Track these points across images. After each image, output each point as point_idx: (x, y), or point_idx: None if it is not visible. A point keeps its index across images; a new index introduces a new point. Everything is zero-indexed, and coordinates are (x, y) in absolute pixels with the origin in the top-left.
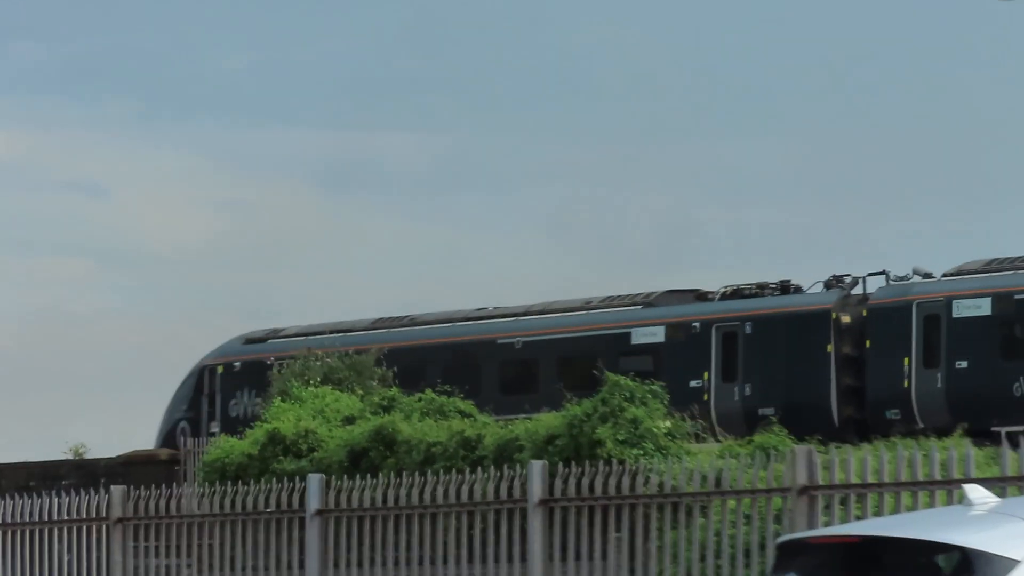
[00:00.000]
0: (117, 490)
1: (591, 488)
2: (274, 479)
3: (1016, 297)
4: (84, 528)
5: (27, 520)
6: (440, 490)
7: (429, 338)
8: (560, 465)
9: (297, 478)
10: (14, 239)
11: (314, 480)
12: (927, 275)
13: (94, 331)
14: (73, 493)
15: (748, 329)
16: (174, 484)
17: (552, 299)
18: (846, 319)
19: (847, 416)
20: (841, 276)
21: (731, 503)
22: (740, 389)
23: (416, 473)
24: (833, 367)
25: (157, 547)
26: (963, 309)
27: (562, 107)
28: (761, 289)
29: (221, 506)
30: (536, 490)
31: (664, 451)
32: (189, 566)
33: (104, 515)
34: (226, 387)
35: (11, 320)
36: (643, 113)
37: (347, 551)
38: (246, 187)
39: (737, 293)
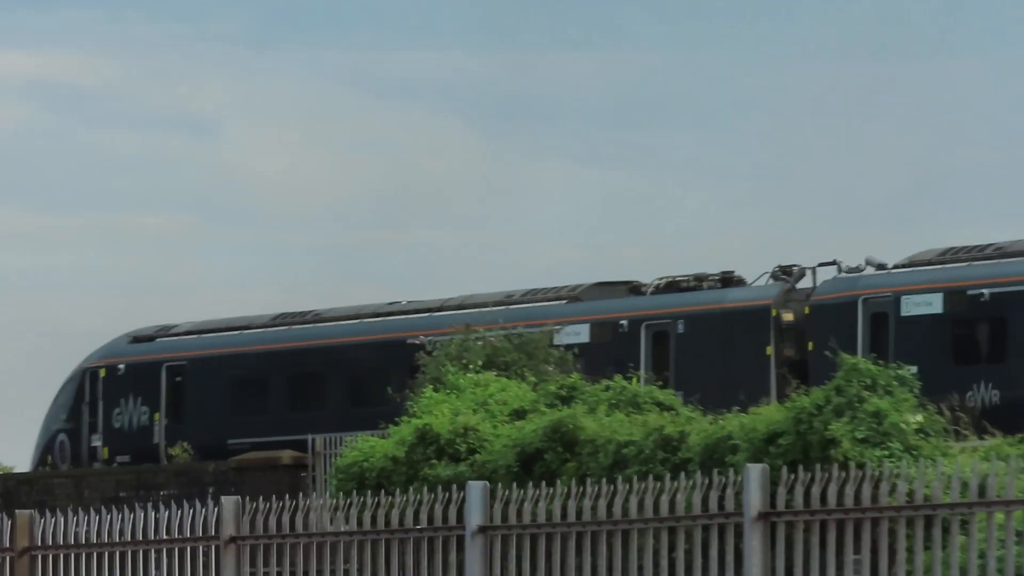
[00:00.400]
0: (229, 502)
1: (823, 498)
2: (425, 488)
3: (969, 293)
4: (188, 549)
5: (117, 540)
6: (633, 501)
7: (333, 337)
8: (784, 470)
9: (454, 487)
10: (97, 189)
11: (476, 489)
12: (881, 266)
13: (198, 303)
14: (174, 506)
15: (681, 328)
16: (300, 495)
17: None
18: (788, 317)
19: None
20: (789, 267)
21: (999, 517)
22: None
23: (603, 480)
24: (773, 371)
25: (279, 573)
26: (912, 306)
27: (784, 17)
28: (700, 281)
29: (359, 522)
30: (754, 501)
31: (915, 452)
32: None
33: (213, 533)
34: (110, 393)
35: (94, 288)
36: (891, 23)
37: None
38: (386, 124)
39: (672, 286)
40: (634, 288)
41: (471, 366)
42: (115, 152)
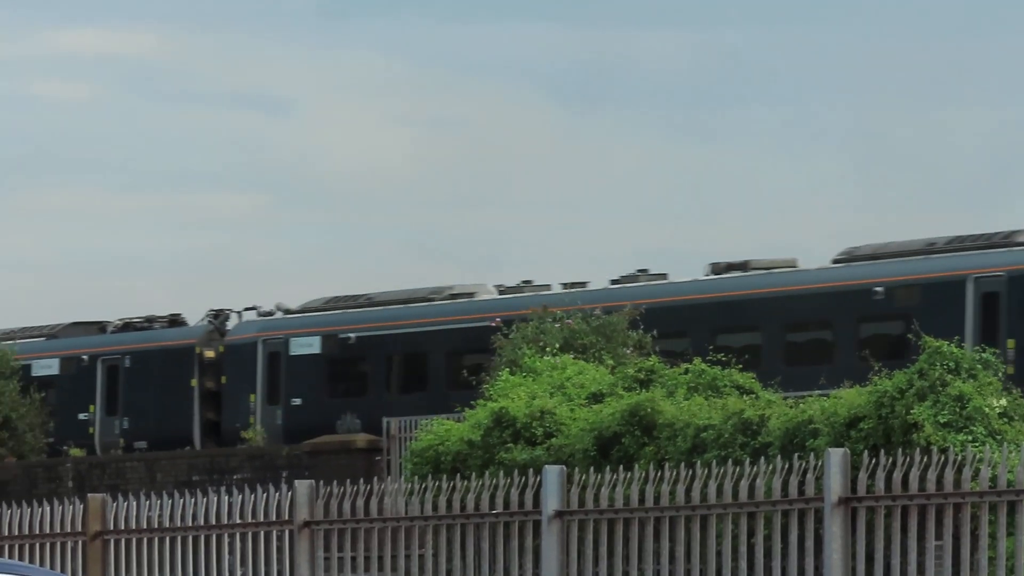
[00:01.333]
0: (303, 486)
1: (904, 483)
2: (501, 472)
3: (340, 336)
4: (262, 534)
5: (190, 524)
6: (712, 486)
7: None
8: (865, 454)
9: (531, 471)
10: (167, 168)
11: (552, 474)
12: (288, 311)
13: (269, 284)
14: (247, 490)
15: (128, 363)
16: (374, 479)
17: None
18: (210, 354)
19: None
20: (220, 310)
21: None
22: (120, 422)
23: (682, 465)
24: (196, 402)
25: (354, 558)
26: (298, 347)
27: None
28: (151, 322)
29: (435, 507)
30: (835, 486)
31: (998, 436)
32: None
33: (287, 518)
34: None
35: (164, 270)
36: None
37: (593, 563)
38: (461, 100)
39: (129, 326)
40: (102, 328)
41: (548, 349)
42: (187, 130)
